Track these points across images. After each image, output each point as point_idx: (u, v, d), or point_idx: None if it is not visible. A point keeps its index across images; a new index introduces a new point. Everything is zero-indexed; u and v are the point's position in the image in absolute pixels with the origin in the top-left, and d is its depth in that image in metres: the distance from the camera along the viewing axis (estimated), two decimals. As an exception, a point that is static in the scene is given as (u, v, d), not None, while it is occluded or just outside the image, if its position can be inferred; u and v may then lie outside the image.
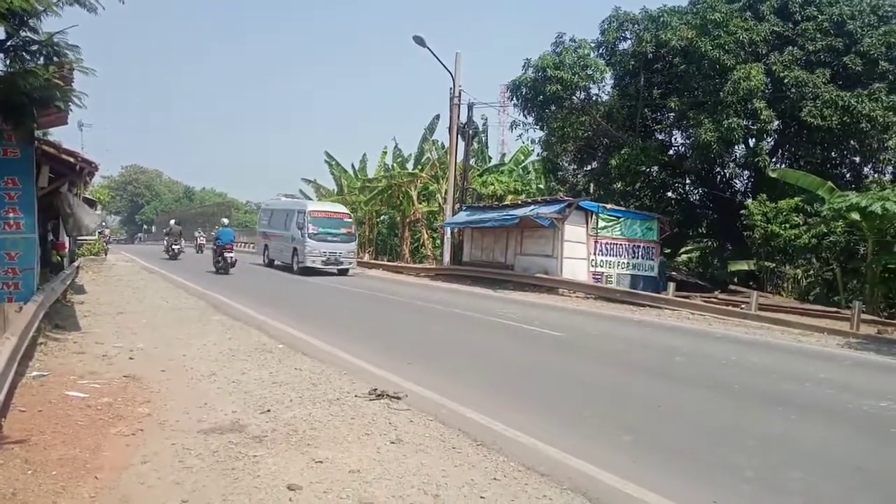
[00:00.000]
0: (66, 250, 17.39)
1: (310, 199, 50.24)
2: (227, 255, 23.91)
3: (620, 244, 23.00)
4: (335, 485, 4.39)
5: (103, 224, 38.68)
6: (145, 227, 48.36)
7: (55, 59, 8.08)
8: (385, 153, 42.42)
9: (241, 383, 7.08)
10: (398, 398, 6.63)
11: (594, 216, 22.41)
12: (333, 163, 45.17)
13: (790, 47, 22.08)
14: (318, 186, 48.37)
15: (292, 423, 5.68)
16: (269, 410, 6.05)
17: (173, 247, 33.23)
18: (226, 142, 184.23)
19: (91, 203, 26.22)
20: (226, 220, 30.67)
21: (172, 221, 36.97)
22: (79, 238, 23.52)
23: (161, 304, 14.05)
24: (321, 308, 15.36)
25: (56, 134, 17.50)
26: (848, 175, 23.66)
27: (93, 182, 31.00)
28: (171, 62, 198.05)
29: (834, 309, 17.25)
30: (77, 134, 46.69)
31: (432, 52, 27.80)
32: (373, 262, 35.48)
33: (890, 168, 22.30)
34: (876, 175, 22.34)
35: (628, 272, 23.16)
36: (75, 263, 19.31)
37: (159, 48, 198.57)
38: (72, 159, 11.19)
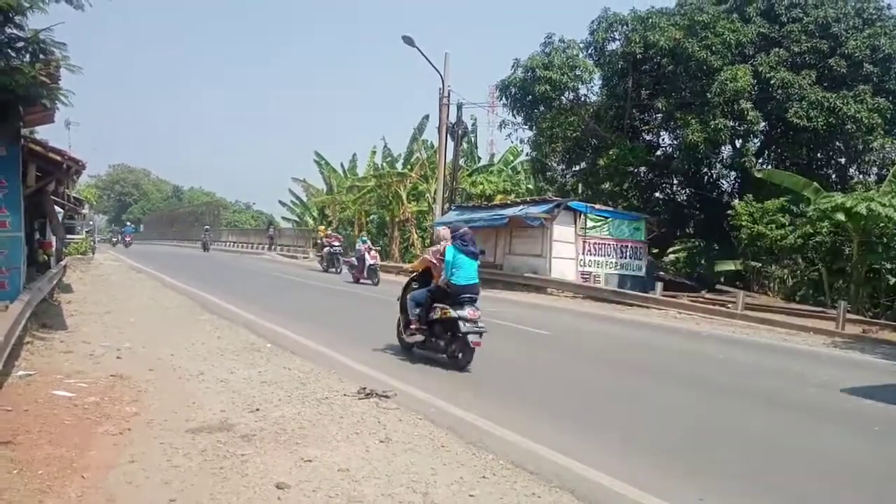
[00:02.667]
0: (53, 249, 17.25)
1: (302, 200, 50.24)
2: (126, 239, 45.59)
3: (608, 244, 23.10)
4: (324, 483, 4.39)
5: (90, 223, 39.39)
6: (129, 224, 52.93)
7: (41, 56, 8.04)
8: (374, 153, 42.45)
9: (230, 382, 7.06)
10: (387, 397, 6.63)
11: (582, 216, 22.50)
12: (323, 162, 45.15)
13: (776, 49, 22.25)
14: (308, 186, 48.33)
15: (281, 422, 5.67)
16: (257, 409, 6.04)
17: (113, 239, 51.47)
18: (215, 142, 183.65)
19: (78, 202, 26.06)
20: (129, 223, 58.19)
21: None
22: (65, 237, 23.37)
23: (149, 304, 13.97)
24: (309, 306, 15.34)
25: (43, 132, 17.31)
26: (833, 176, 23.87)
27: (80, 181, 30.88)
28: (160, 61, 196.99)
29: (820, 309, 17.41)
30: (64, 132, 46.41)
31: (421, 52, 27.83)
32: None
33: (875, 169, 22.52)
34: (861, 176, 22.57)
35: (616, 272, 23.26)
36: (62, 262, 19.16)
37: (149, 46, 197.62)
38: (59, 158, 11.14)
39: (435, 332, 8.54)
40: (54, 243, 17.28)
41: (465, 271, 8.33)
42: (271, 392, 6.69)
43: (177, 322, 11.40)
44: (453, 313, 8.12)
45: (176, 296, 15.71)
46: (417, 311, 8.69)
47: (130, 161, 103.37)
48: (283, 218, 54.96)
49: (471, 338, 8.08)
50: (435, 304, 8.44)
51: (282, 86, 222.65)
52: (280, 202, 54.17)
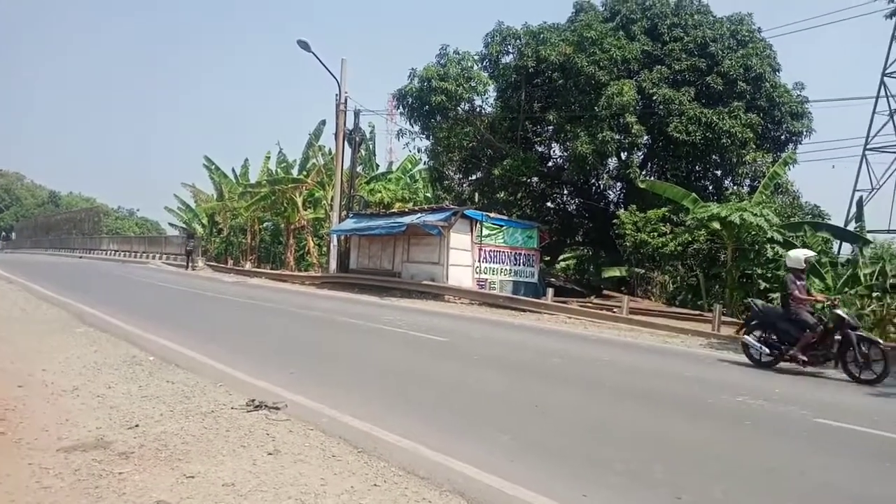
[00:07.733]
0: None
1: (190, 206, 48.39)
2: None
3: (503, 252, 23.61)
4: (207, 499, 4.22)
5: None
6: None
7: None
8: (268, 158, 41.43)
9: (107, 398, 6.67)
10: (277, 408, 6.47)
11: (478, 224, 22.89)
12: (213, 167, 43.66)
13: (659, 66, 23.49)
14: (197, 192, 46.63)
15: (162, 438, 5.42)
16: (137, 425, 5.74)
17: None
18: (96, 144, 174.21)
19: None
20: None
21: None
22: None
23: (19, 316, 13.02)
24: (199, 317, 14.77)
25: None
26: (710, 187, 25.37)
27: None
28: (32, 55, 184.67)
29: (698, 312, 18.46)
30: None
31: (317, 58, 27.54)
32: (255, 270, 34.51)
33: (748, 181, 24.13)
34: (735, 187, 24.07)
35: (510, 279, 23.80)
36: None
37: (18, 37, 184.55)
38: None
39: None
40: None
41: None
42: (153, 407, 6.38)
43: (50, 335, 10.67)
44: None
45: (50, 307, 14.72)
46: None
47: (1, 165, 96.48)
48: (170, 224, 52.87)
49: None
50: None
51: (169, 86, 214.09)
52: (166, 208, 52.06)
